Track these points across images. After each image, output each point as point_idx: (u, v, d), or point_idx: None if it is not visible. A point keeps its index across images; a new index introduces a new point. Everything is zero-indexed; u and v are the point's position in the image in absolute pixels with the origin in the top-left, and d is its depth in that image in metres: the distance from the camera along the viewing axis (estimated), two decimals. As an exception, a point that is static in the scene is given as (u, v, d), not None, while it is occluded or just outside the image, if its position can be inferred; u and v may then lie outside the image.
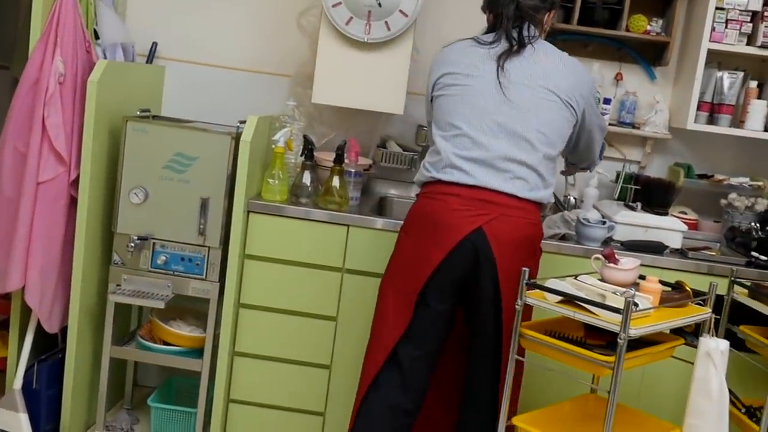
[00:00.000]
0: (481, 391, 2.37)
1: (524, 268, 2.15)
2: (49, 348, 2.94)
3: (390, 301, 2.36)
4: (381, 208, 3.23)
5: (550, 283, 2.14)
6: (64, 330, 2.86)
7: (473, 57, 2.33)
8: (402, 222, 2.42)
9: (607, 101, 3.23)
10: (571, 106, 2.32)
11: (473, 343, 2.38)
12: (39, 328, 2.83)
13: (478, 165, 2.26)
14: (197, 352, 2.84)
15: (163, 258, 2.79)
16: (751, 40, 3.01)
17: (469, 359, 2.40)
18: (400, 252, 2.39)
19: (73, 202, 2.77)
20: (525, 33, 2.34)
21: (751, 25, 2.99)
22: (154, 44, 3.26)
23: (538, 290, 2.15)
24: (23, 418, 2.78)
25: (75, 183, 2.75)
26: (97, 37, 2.94)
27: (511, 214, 2.26)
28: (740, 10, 2.97)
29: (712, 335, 2.20)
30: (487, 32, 2.41)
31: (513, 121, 2.27)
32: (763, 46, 2.97)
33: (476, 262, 2.25)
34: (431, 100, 2.43)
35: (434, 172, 2.32)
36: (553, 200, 2.42)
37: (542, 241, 2.41)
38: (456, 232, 2.24)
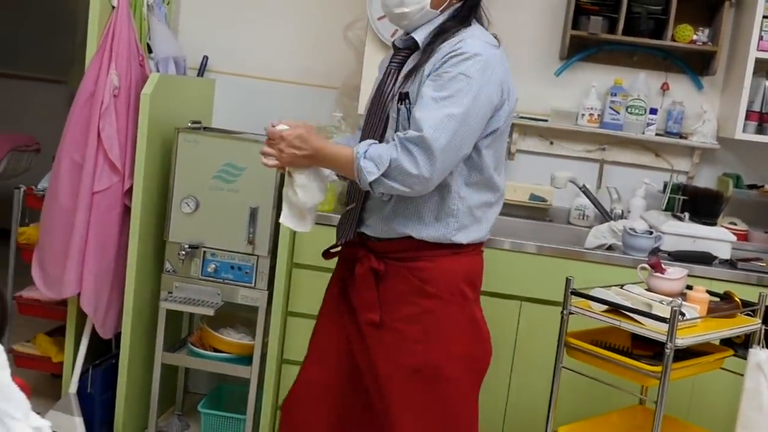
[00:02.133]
0: None
1: (568, 277, 2.15)
2: (104, 353, 3.03)
3: (473, 393, 2.05)
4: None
5: (596, 292, 2.13)
6: (117, 336, 2.94)
7: None
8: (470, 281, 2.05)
9: (653, 111, 3.20)
10: None
11: None
12: (94, 334, 2.91)
13: None
14: (246, 359, 2.89)
15: (213, 266, 2.85)
16: (800, 48, 2.97)
17: None
18: (480, 326, 2.04)
19: (126, 211, 2.85)
20: None
21: (800, 33, 2.95)
22: (205, 58, 3.34)
23: (583, 299, 2.15)
24: (78, 422, 2.86)
25: (128, 192, 2.83)
26: (150, 51, 3.02)
27: None
28: (789, 19, 2.94)
29: (763, 347, 2.18)
30: (466, 19, 1.99)
31: None
32: (812, 55, 2.94)
33: None
34: (496, 131, 1.95)
35: (488, 234, 2.05)
36: None
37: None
38: None
